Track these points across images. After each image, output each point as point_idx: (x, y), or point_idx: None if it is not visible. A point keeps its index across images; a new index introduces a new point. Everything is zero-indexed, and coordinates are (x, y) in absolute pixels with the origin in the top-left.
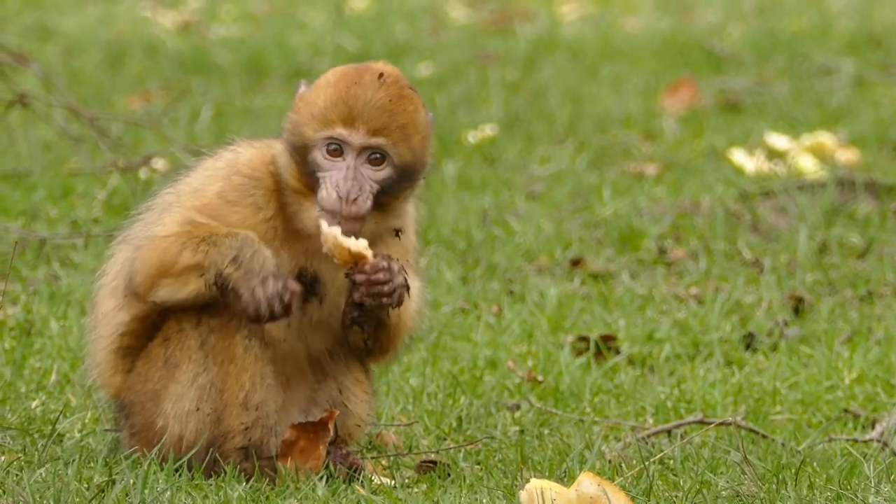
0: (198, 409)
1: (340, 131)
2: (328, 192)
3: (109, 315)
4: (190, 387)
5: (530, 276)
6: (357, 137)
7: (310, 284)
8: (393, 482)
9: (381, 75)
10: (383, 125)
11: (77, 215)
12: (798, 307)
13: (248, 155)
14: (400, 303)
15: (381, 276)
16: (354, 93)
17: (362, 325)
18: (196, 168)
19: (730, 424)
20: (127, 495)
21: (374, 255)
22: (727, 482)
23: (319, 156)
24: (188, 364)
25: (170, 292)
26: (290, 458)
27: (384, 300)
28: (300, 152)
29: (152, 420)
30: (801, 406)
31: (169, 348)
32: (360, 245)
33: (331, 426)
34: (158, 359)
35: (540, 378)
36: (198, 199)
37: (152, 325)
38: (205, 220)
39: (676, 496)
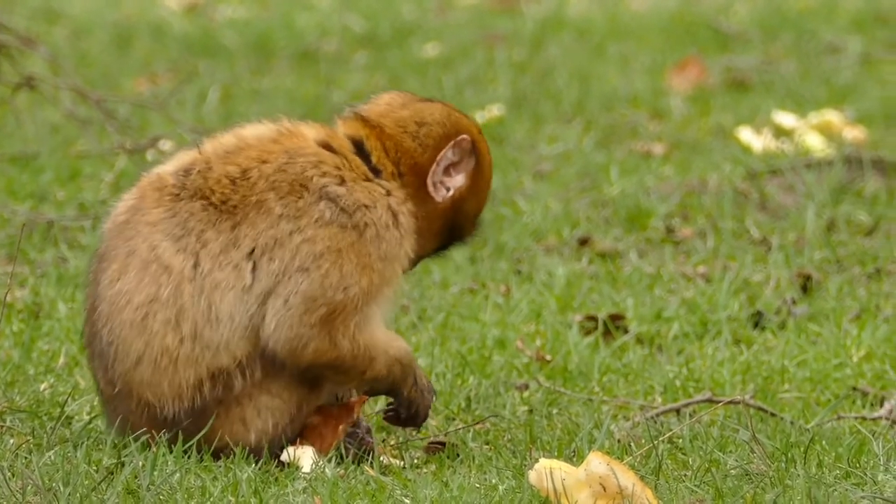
0: (276, 425)
1: None
2: None
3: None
4: (284, 404)
5: (538, 255)
6: None
7: None
8: (402, 463)
9: None
10: None
11: (84, 197)
12: (806, 285)
13: (383, 199)
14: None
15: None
16: None
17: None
18: (286, 214)
19: (738, 403)
20: (136, 477)
21: None
22: (736, 461)
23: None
24: (286, 379)
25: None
26: (302, 439)
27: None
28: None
29: (226, 425)
30: (810, 384)
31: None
32: None
33: (357, 411)
34: (258, 367)
35: (548, 357)
36: (372, 274)
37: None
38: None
39: (685, 475)
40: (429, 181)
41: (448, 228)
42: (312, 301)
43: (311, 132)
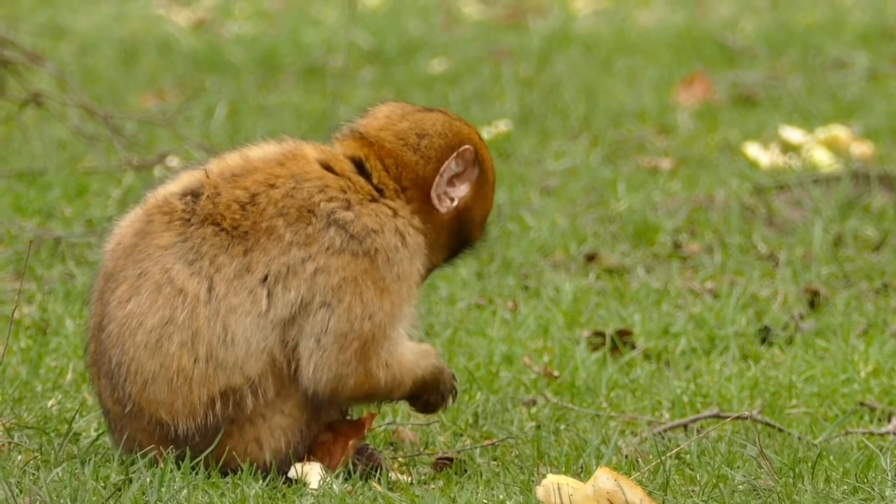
0: (288, 444)
1: None
2: None
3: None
4: (296, 423)
5: (545, 271)
6: None
7: None
8: (410, 478)
9: None
10: None
11: (92, 214)
12: (813, 300)
13: (390, 221)
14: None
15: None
16: None
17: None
18: (300, 241)
19: (746, 418)
20: (144, 494)
21: None
22: (744, 476)
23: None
24: (296, 397)
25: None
26: (312, 455)
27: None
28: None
29: (241, 445)
30: (818, 399)
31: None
32: None
33: (368, 428)
34: (271, 387)
35: (556, 373)
36: (391, 297)
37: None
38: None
39: (693, 490)
40: (432, 194)
41: (455, 237)
42: (343, 337)
43: (313, 153)
